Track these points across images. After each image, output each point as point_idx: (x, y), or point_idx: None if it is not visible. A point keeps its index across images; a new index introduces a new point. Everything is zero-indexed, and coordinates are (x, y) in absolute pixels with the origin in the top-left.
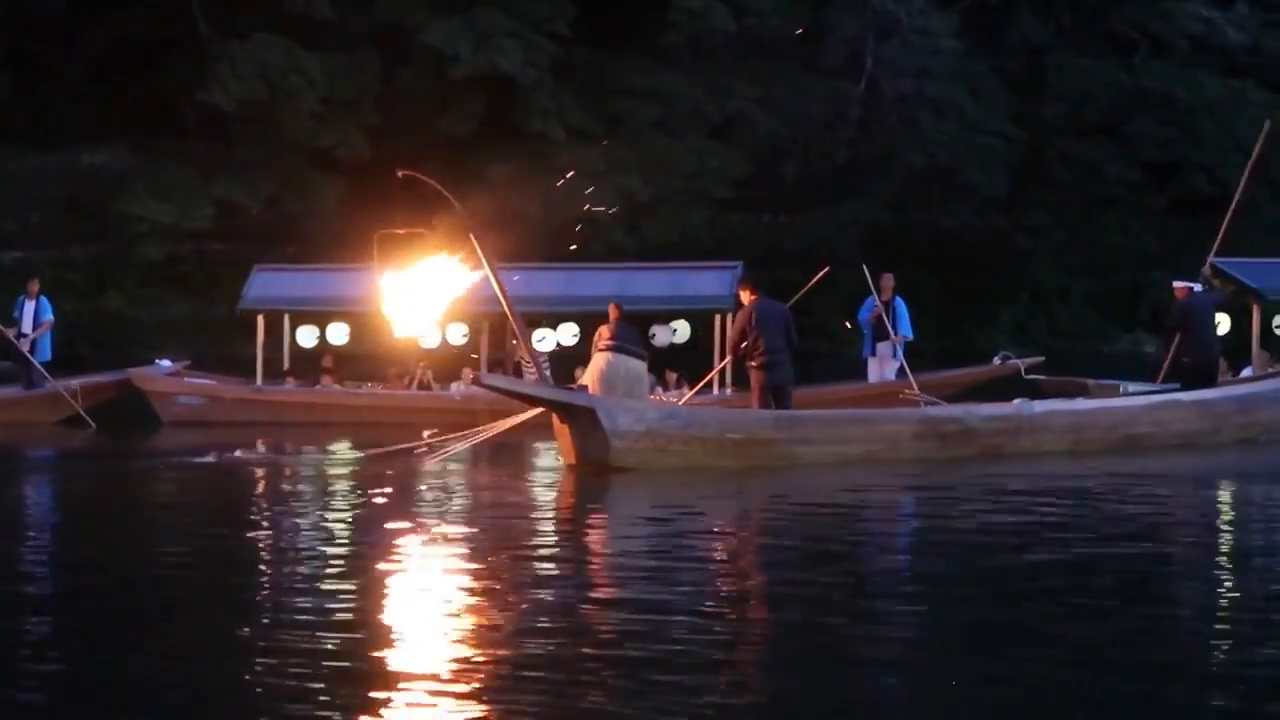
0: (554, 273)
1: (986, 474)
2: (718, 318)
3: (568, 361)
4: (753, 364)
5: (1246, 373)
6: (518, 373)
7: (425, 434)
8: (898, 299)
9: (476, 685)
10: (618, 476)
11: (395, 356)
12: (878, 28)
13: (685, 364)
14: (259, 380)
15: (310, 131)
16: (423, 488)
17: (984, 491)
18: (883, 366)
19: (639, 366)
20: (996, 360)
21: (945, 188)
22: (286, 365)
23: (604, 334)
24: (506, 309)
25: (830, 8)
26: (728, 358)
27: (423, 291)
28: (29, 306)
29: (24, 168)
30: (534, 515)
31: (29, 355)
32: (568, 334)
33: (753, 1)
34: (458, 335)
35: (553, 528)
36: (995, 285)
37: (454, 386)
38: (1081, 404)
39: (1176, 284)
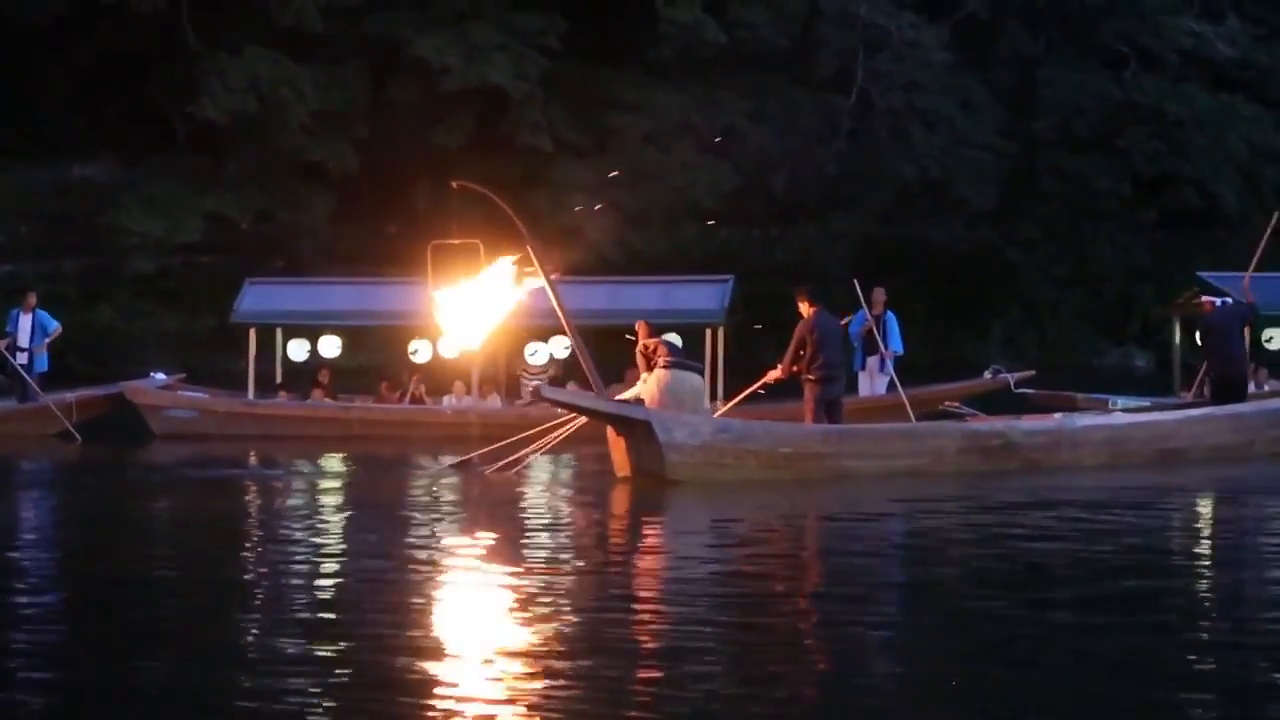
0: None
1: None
2: (708, 331)
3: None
4: (810, 377)
5: None
6: (515, 386)
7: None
8: (889, 313)
9: (510, 697)
10: (673, 489)
11: (389, 370)
12: (868, 41)
13: None
14: (251, 394)
15: (300, 144)
16: (473, 500)
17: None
18: (873, 381)
19: (698, 381)
20: (987, 374)
21: (936, 201)
22: (279, 379)
23: (661, 351)
24: (564, 322)
25: (821, 21)
26: (777, 371)
27: (476, 303)
28: (24, 320)
29: (14, 180)
30: (593, 528)
31: (25, 369)
32: (559, 346)
33: (743, 15)
34: (450, 349)
35: (611, 540)
36: (986, 298)
37: (446, 400)
38: (1119, 418)
39: (1204, 298)
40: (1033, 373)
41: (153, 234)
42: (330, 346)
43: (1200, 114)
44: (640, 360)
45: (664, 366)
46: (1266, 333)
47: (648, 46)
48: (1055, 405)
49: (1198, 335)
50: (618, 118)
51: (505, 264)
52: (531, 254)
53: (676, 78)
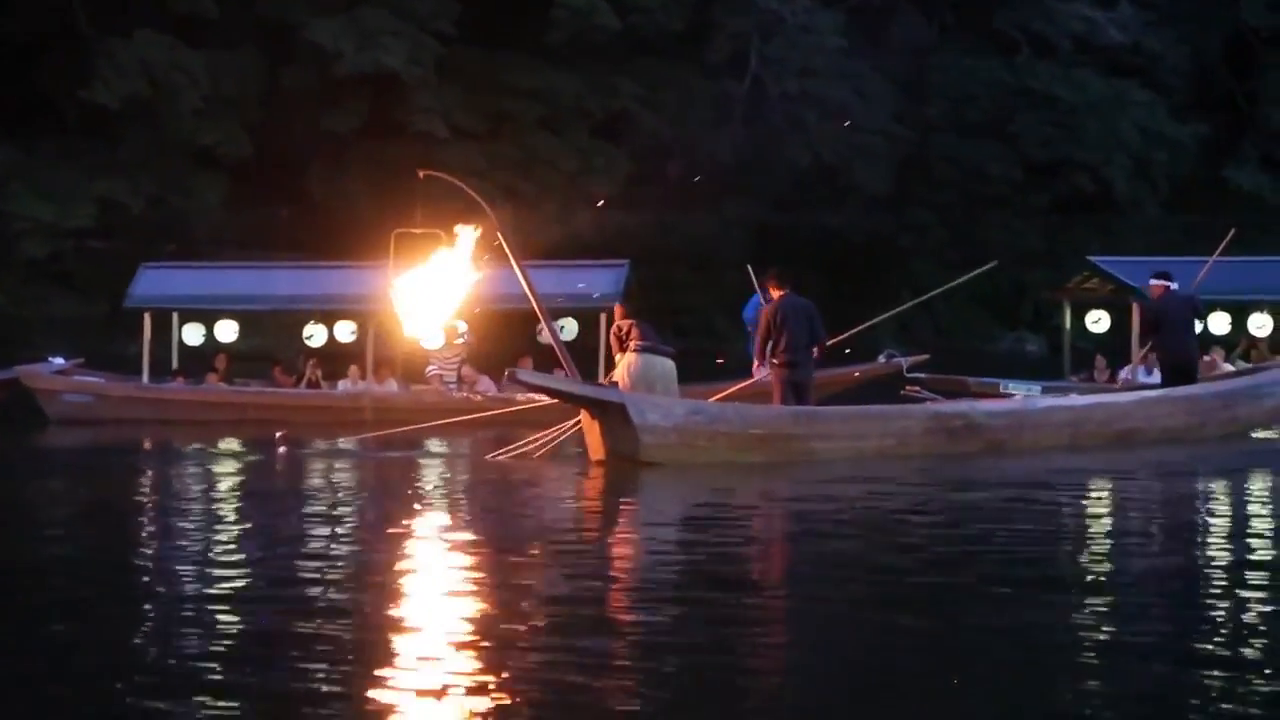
0: None
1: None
2: (603, 315)
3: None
4: (775, 361)
5: (1124, 374)
6: (414, 370)
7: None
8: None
9: (493, 679)
10: (649, 472)
11: (283, 355)
12: (762, 27)
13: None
14: (145, 378)
15: (193, 129)
16: (451, 485)
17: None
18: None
19: (670, 365)
20: (881, 358)
21: (830, 187)
22: (175, 364)
23: (634, 334)
24: (536, 306)
25: (715, 6)
26: (756, 364)
27: (435, 291)
28: None
29: None
30: (572, 510)
31: None
32: (460, 330)
33: (638, 0)
34: (346, 333)
35: (590, 523)
36: (879, 284)
37: (341, 384)
38: (1078, 400)
39: (1153, 282)
40: (926, 357)
41: (44, 219)
42: (227, 331)
43: (1092, 100)
44: (614, 342)
45: (635, 350)
46: (1257, 319)
47: (542, 31)
48: (947, 389)
49: (1143, 320)
50: (511, 102)
51: (466, 240)
52: (501, 238)
53: (570, 62)
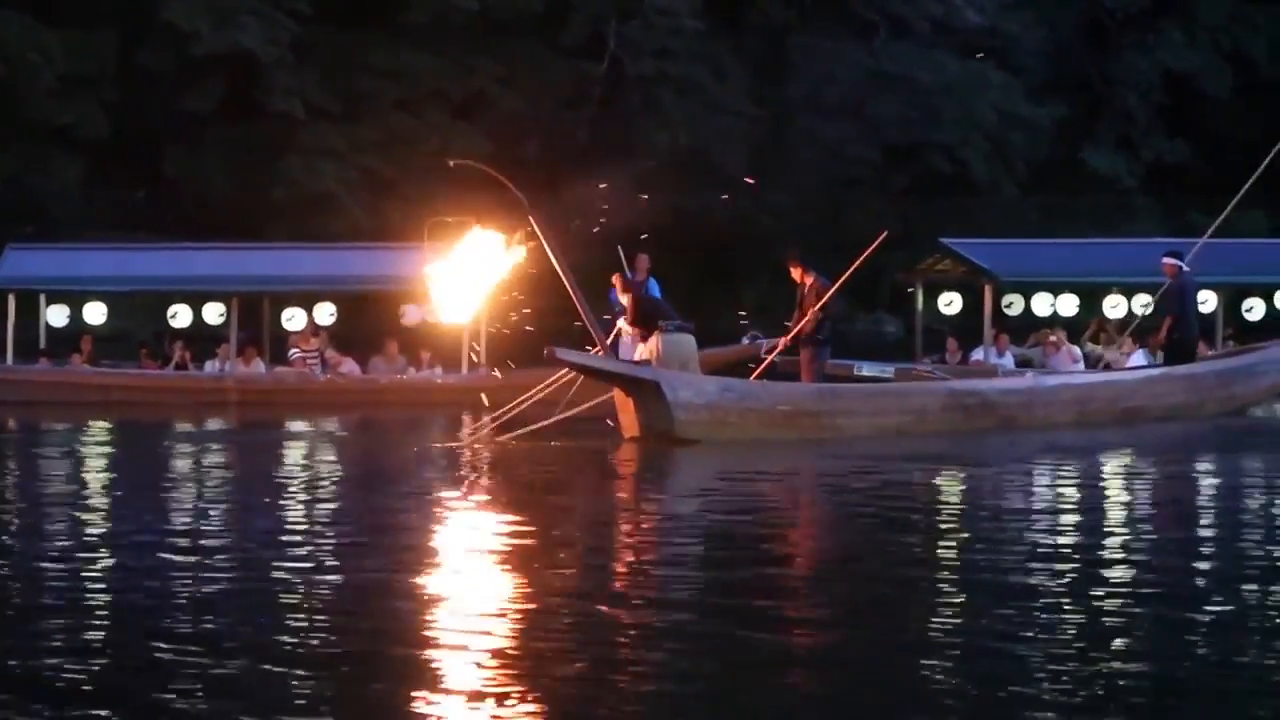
0: (311, 252)
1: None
2: None
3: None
4: (820, 337)
5: (976, 355)
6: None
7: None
8: (651, 280)
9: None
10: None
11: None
12: (620, 7)
13: (439, 344)
14: (9, 359)
15: (49, 109)
16: (500, 466)
17: None
18: (635, 346)
19: (692, 341)
20: (745, 340)
21: (688, 168)
22: (43, 344)
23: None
24: (570, 288)
25: None
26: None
27: (468, 276)
28: None
29: None
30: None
31: None
32: (324, 313)
33: None
34: (214, 314)
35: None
36: (739, 265)
37: (209, 365)
38: (1084, 378)
39: (1166, 260)
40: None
41: None
42: (95, 313)
43: (950, 82)
44: (625, 300)
45: (662, 329)
46: (1007, 299)
47: (399, 11)
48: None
49: (1167, 299)
50: (369, 83)
51: (490, 236)
52: (534, 224)
53: (428, 43)
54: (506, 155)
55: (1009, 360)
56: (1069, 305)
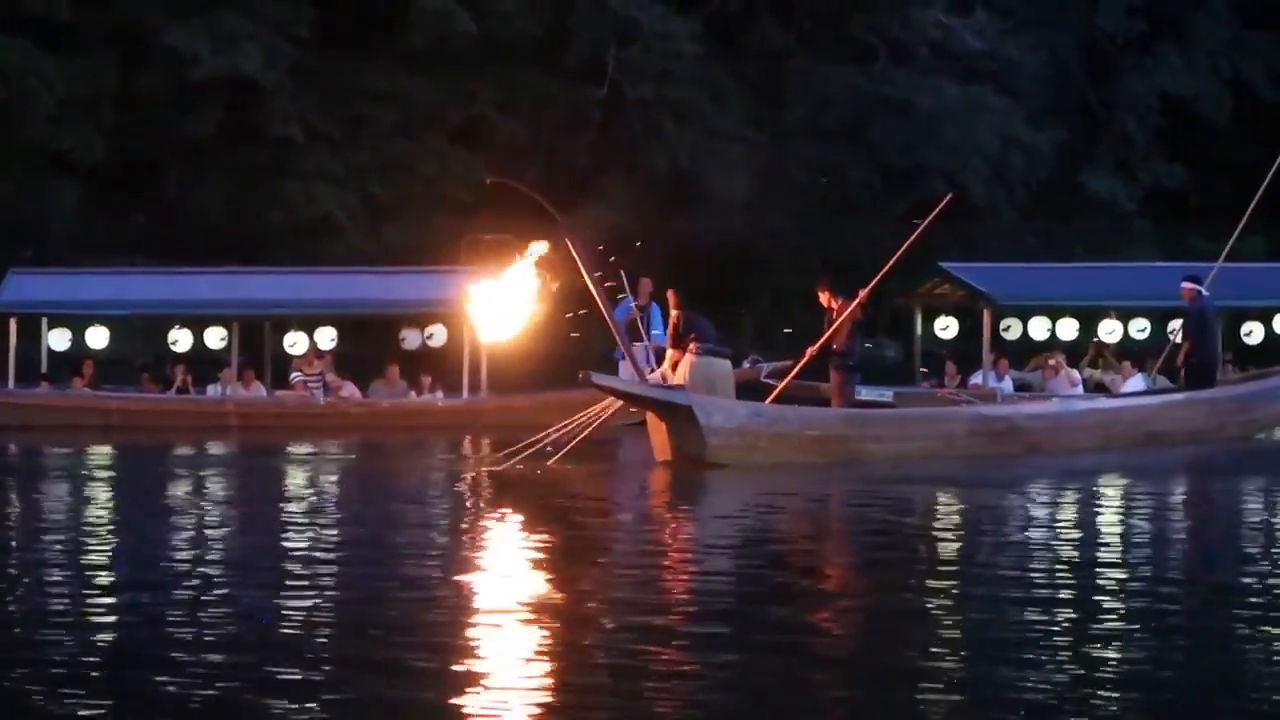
0: (313, 277)
1: None
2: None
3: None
4: (851, 363)
5: (975, 379)
6: (279, 375)
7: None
8: (653, 305)
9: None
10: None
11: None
12: (619, 32)
13: (440, 368)
14: (11, 383)
15: (47, 133)
16: (530, 489)
17: None
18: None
19: (727, 366)
20: (746, 364)
21: (688, 192)
22: (44, 368)
23: (692, 334)
24: (604, 312)
25: (574, 12)
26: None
27: (508, 297)
28: None
29: None
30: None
31: None
32: (325, 337)
33: (496, 5)
34: (215, 339)
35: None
36: (737, 289)
37: (210, 389)
38: (1109, 403)
39: (1186, 285)
40: (789, 363)
41: None
42: (97, 337)
43: (949, 106)
44: (669, 336)
45: (694, 352)
46: (1005, 323)
47: (399, 36)
48: (802, 395)
49: (1189, 323)
50: (368, 107)
51: (537, 252)
52: (571, 246)
53: (428, 68)
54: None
55: (1008, 384)
56: (1067, 329)
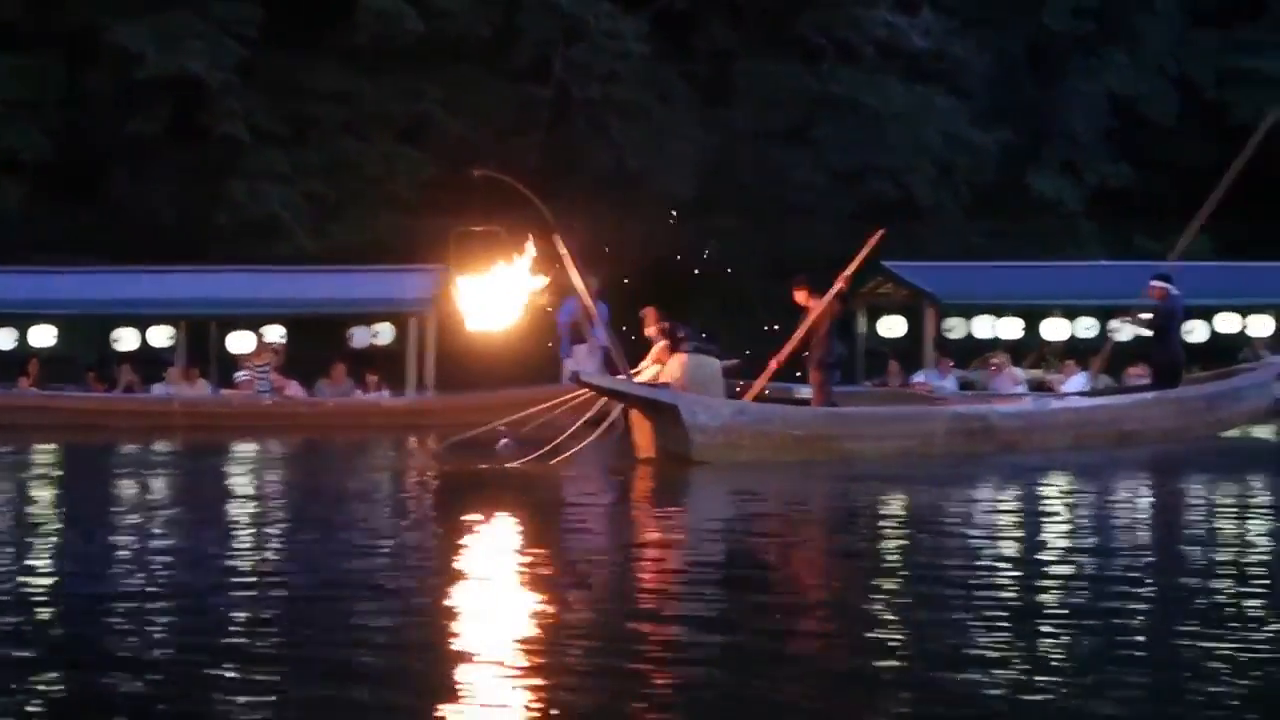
0: (260, 275)
1: None
2: (413, 321)
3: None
4: (830, 362)
5: (919, 378)
6: (225, 374)
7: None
8: (601, 304)
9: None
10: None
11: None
12: (566, 31)
13: (386, 368)
14: None
15: None
16: (522, 486)
17: None
18: (580, 369)
19: (717, 365)
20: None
21: (635, 192)
22: None
23: (677, 335)
24: (588, 310)
25: (521, 11)
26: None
27: (496, 290)
28: None
29: None
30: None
31: None
32: (272, 336)
33: (443, 3)
34: (160, 338)
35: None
36: (686, 290)
37: (156, 388)
38: (1082, 403)
39: (1155, 284)
40: (738, 362)
41: None
42: (43, 336)
43: (896, 106)
44: (659, 339)
45: (687, 350)
46: (948, 322)
47: (346, 34)
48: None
49: (1156, 321)
50: (316, 106)
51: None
52: (559, 242)
53: (374, 66)
54: (453, 179)
55: (952, 383)
56: (1011, 328)
